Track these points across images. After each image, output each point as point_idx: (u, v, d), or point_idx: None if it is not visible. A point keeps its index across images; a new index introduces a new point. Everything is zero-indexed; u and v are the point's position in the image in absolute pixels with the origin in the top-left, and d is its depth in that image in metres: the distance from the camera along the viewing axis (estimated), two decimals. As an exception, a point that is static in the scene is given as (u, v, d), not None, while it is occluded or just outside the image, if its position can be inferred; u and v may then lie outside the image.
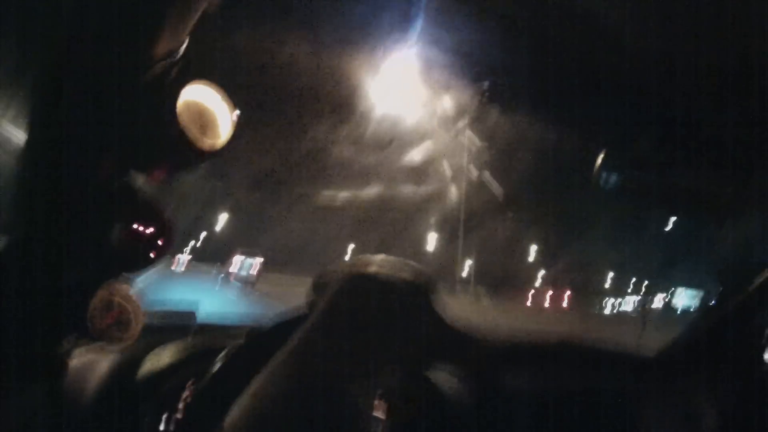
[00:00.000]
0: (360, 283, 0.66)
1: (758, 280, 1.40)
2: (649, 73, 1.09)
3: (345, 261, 0.72)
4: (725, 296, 1.48)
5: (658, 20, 0.93)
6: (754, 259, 1.54)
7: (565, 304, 19.71)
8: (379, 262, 0.69)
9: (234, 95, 0.99)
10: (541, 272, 20.65)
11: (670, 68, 1.06)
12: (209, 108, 0.98)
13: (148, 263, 1.03)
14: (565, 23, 0.96)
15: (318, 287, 0.71)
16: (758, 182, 1.27)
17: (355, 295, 0.65)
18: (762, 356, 1.41)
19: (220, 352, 0.91)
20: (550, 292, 19.90)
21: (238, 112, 1.00)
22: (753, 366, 1.41)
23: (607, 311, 21.35)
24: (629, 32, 0.97)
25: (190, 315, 1.53)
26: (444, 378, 0.85)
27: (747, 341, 1.42)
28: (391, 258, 0.70)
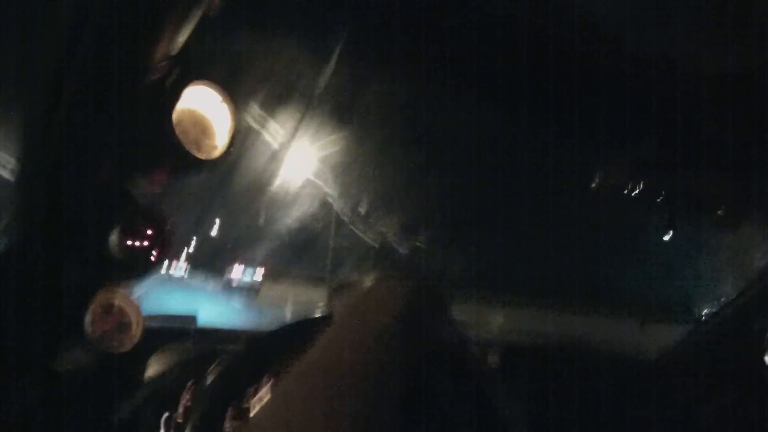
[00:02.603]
0: (390, 291, 0.69)
1: (758, 285, 1.40)
2: (650, 75, 1.10)
3: (366, 272, 0.74)
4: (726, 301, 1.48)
5: (658, 21, 0.94)
6: (755, 263, 1.54)
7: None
8: (397, 277, 0.72)
9: (234, 100, 1.00)
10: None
11: (671, 70, 1.07)
12: (206, 117, 0.98)
13: (147, 268, 1.03)
14: (565, 23, 0.96)
15: (338, 295, 0.73)
16: (758, 185, 1.28)
17: (387, 303, 0.66)
18: (762, 360, 1.41)
19: (220, 357, 0.91)
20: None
21: (237, 116, 1.00)
22: (753, 369, 1.41)
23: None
24: (629, 33, 0.97)
25: (191, 319, 1.53)
26: (444, 382, 0.85)
27: (747, 345, 1.42)
28: (402, 275, 0.74)
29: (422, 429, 0.83)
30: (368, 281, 0.72)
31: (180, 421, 0.93)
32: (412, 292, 0.70)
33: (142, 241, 1.01)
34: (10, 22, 0.92)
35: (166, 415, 0.97)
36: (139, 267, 1.02)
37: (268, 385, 0.79)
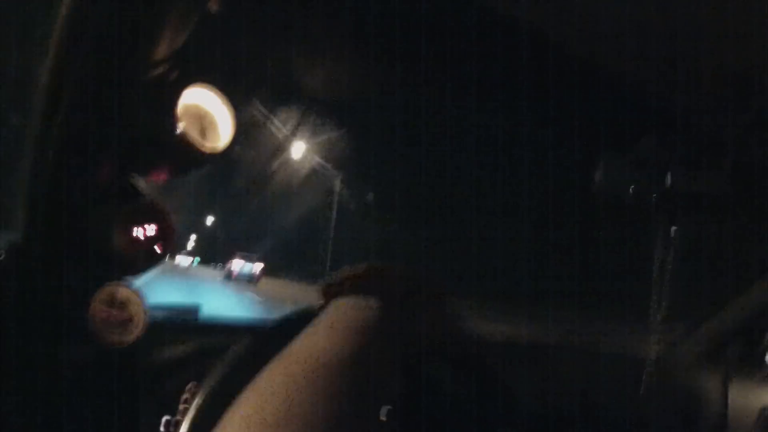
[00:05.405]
0: (381, 285, 0.68)
1: (759, 284, 1.40)
2: (650, 73, 1.10)
3: (357, 266, 0.73)
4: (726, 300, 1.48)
5: (658, 20, 0.93)
6: (755, 263, 1.54)
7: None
8: (391, 268, 0.71)
9: (235, 97, 1.00)
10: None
11: (671, 69, 1.06)
12: (209, 111, 0.99)
13: (149, 264, 1.03)
14: (565, 22, 0.96)
15: (329, 290, 0.72)
16: (758, 184, 1.27)
17: (378, 297, 0.66)
18: (763, 359, 1.41)
19: (222, 353, 0.91)
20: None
21: (238, 114, 1.00)
22: (754, 369, 1.41)
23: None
24: (629, 32, 0.97)
25: (193, 312, 1.52)
26: (444, 377, 0.85)
27: (748, 344, 1.42)
28: (399, 265, 0.72)
29: (422, 427, 0.83)
30: (364, 272, 0.71)
31: (180, 421, 0.93)
32: (409, 284, 0.70)
33: (144, 236, 1.01)
34: (11, 22, 0.92)
35: (166, 412, 0.97)
36: (142, 261, 1.02)
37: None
